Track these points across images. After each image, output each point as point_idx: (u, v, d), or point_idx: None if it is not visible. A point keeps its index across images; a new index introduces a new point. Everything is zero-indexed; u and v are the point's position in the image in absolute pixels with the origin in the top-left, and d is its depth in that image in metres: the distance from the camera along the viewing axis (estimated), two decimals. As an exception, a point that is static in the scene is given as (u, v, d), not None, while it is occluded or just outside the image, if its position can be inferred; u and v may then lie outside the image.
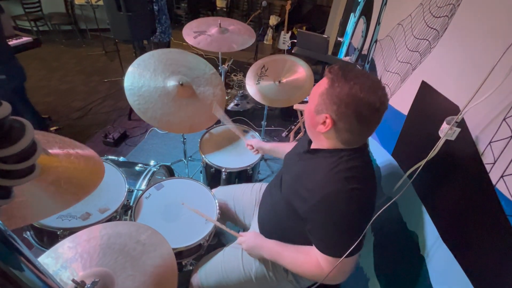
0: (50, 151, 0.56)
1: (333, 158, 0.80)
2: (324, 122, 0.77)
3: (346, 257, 0.77)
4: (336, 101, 0.73)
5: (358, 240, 0.75)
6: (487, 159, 0.67)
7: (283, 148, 1.25)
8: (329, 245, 0.79)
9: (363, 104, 0.71)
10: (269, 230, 1.05)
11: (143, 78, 1.32)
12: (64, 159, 0.57)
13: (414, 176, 0.84)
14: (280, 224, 0.98)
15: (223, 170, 1.46)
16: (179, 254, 1.06)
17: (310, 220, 0.82)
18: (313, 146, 0.90)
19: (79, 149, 0.64)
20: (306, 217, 0.83)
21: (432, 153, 0.80)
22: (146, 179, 1.39)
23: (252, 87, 1.72)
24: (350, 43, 2.55)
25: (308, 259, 0.86)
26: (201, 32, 1.82)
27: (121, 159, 1.62)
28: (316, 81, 1.80)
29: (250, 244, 0.99)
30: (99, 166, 0.64)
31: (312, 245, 0.85)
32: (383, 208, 0.79)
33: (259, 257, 1.00)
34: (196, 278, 1.06)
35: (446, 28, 0.94)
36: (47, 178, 0.50)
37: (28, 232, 1.11)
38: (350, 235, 0.76)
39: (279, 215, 0.98)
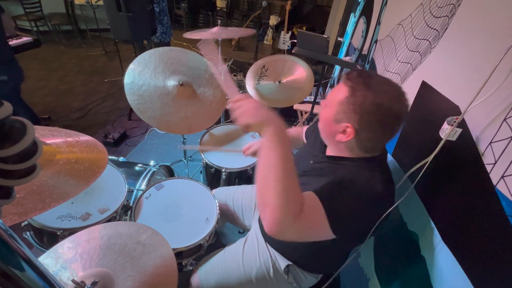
0: (53, 143, 0.56)
1: (365, 167, 0.76)
2: (344, 131, 0.74)
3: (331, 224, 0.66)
4: (359, 110, 0.70)
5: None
6: (487, 159, 0.67)
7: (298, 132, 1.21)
8: (329, 198, 0.68)
9: (388, 113, 0.69)
10: None
11: (144, 76, 1.32)
12: (67, 150, 0.57)
13: (415, 176, 0.84)
14: None
15: (223, 170, 1.46)
16: (179, 255, 1.06)
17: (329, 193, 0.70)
18: (332, 153, 0.85)
19: (81, 139, 0.64)
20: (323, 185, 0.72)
21: (433, 154, 0.80)
22: (146, 179, 1.39)
23: (252, 87, 1.71)
24: (350, 43, 2.55)
25: (300, 195, 0.66)
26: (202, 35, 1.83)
27: (121, 159, 1.63)
28: (316, 81, 1.81)
29: (252, 106, 0.67)
30: (102, 154, 0.63)
31: (312, 249, 0.83)
32: (387, 212, 0.77)
33: (254, 129, 0.67)
34: (195, 279, 1.06)
35: (446, 28, 0.94)
36: (49, 171, 0.50)
37: (28, 233, 1.11)
38: (354, 217, 0.69)
39: None
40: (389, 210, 0.74)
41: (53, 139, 0.60)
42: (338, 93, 0.74)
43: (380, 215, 0.73)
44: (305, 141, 1.17)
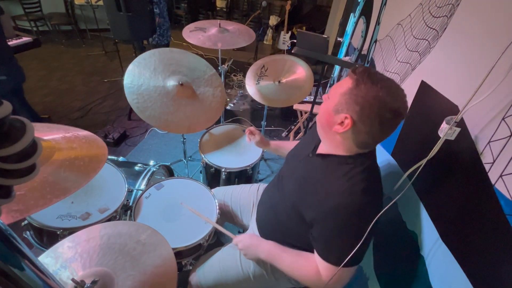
0: (53, 140, 0.56)
1: (346, 167, 0.79)
2: (342, 122, 0.75)
3: (348, 266, 0.76)
4: (361, 101, 0.71)
5: (358, 250, 0.75)
6: (486, 158, 0.67)
7: (288, 146, 1.24)
8: (333, 254, 0.78)
9: (388, 108, 0.70)
10: (268, 231, 1.05)
11: (143, 76, 1.32)
12: (67, 146, 0.57)
13: (415, 176, 0.84)
14: (280, 225, 0.98)
15: (223, 170, 1.46)
16: (179, 254, 1.06)
17: (318, 227, 0.80)
18: (322, 150, 0.88)
19: (80, 134, 0.65)
20: (313, 223, 0.81)
21: (432, 153, 0.80)
22: (146, 179, 1.39)
23: (252, 87, 1.72)
24: (350, 43, 2.55)
25: (307, 264, 0.85)
26: (201, 29, 1.82)
27: (121, 159, 1.63)
28: (316, 81, 1.81)
29: (246, 244, 0.97)
30: (102, 149, 0.64)
31: (311, 249, 0.85)
32: (385, 209, 0.79)
33: (255, 258, 0.99)
34: (194, 277, 1.07)
35: (445, 28, 0.95)
36: (49, 167, 0.50)
37: (28, 232, 1.11)
38: (355, 246, 0.75)
39: (279, 216, 0.97)
40: (379, 215, 0.75)
41: (52, 135, 0.60)
42: (342, 85, 0.76)
43: (369, 221, 0.75)
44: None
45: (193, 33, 1.80)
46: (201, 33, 1.81)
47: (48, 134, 0.59)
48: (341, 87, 0.76)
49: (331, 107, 0.77)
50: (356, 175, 0.77)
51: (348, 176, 0.77)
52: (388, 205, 0.78)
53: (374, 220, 0.73)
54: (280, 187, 1.00)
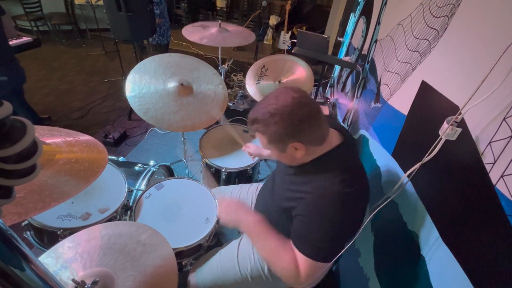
0: (53, 143, 0.56)
1: (322, 167, 0.82)
2: (296, 149, 0.80)
3: (321, 261, 0.77)
4: (280, 134, 0.77)
5: (334, 246, 0.77)
6: (487, 159, 0.67)
7: None
8: (308, 245, 0.79)
9: (295, 115, 0.75)
10: None
11: (144, 81, 1.32)
12: (67, 149, 0.57)
13: (412, 175, 0.84)
14: (272, 225, 0.97)
15: (223, 170, 1.46)
16: (179, 254, 1.06)
17: (298, 218, 0.82)
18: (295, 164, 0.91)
19: (81, 139, 0.65)
20: (296, 214, 0.83)
21: (432, 153, 0.80)
22: (146, 179, 1.39)
23: (252, 87, 1.72)
24: (350, 43, 2.55)
25: (291, 254, 0.83)
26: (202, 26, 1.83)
27: (121, 159, 1.63)
28: (316, 81, 1.81)
29: (232, 208, 0.97)
30: (102, 153, 0.64)
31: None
32: (380, 206, 0.79)
33: (231, 224, 0.96)
34: (193, 278, 1.07)
35: (446, 28, 0.94)
36: (49, 170, 0.50)
37: (28, 232, 1.11)
38: (332, 240, 0.77)
39: (271, 216, 0.97)
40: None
41: (53, 138, 0.60)
42: (261, 140, 0.84)
43: (350, 213, 0.78)
44: None
45: (194, 29, 1.80)
46: (202, 30, 1.81)
47: (49, 137, 0.59)
48: (263, 142, 0.83)
49: (277, 152, 0.84)
50: (334, 170, 0.80)
51: (326, 172, 0.81)
52: (385, 203, 0.79)
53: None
54: (271, 187, 1.02)
